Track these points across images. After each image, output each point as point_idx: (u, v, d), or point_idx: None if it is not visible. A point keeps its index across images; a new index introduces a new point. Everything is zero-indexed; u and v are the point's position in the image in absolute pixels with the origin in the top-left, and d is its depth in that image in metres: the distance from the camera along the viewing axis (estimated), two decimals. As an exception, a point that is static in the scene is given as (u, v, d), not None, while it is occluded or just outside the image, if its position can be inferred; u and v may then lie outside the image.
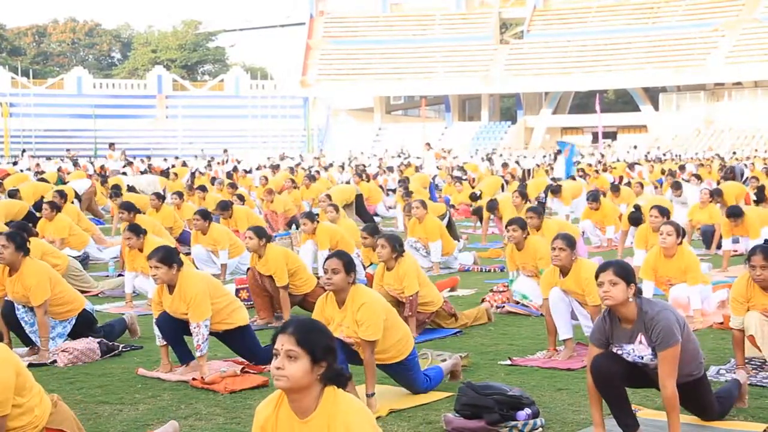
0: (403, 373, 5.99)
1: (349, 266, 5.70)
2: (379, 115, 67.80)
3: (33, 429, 4.26)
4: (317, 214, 12.09)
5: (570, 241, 7.10)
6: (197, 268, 10.96)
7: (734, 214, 11.97)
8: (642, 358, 4.87)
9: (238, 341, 7.04)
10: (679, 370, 4.81)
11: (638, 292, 4.84)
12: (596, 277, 4.87)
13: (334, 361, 3.28)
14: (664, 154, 45.22)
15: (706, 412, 5.28)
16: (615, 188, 19.35)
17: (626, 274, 4.79)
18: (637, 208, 12.56)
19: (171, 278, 6.63)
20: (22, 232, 7.73)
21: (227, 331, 6.94)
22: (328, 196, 16.38)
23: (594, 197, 14.96)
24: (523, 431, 5.25)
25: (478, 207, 17.57)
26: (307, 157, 51.22)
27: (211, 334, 6.84)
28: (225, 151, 48.42)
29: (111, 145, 34.25)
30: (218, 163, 37.62)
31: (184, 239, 13.70)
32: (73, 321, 7.72)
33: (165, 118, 67.44)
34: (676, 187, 17.65)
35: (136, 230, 9.35)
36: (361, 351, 5.76)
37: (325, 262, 5.76)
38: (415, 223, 12.42)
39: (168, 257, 6.64)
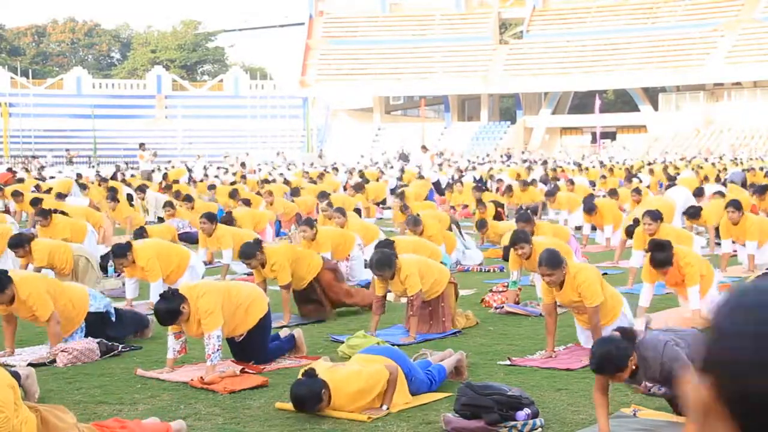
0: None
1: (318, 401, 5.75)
2: (379, 115, 67.77)
3: None
4: (315, 221, 12.24)
5: (555, 262, 6.95)
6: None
7: (734, 205, 11.90)
8: (650, 389, 4.89)
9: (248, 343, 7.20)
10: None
11: (635, 342, 4.77)
12: (597, 372, 4.80)
13: None
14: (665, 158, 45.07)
15: None
16: (613, 192, 19.25)
17: (621, 363, 4.72)
18: (636, 221, 12.32)
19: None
20: None
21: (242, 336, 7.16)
22: (330, 204, 16.33)
23: (589, 208, 14.82)
24: (522, 431, 5.25)
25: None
26: (307, 158, 51.25)
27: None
28: (199, 157, 47.77)
29: (141, 145, 32.87)
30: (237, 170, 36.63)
31: (191, 239, 13.95)
32: (83, 328, 7.77)
33: (164, 118, 67.38)
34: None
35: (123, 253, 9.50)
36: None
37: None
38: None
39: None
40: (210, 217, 12.00)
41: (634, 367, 4.75)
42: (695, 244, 11.20)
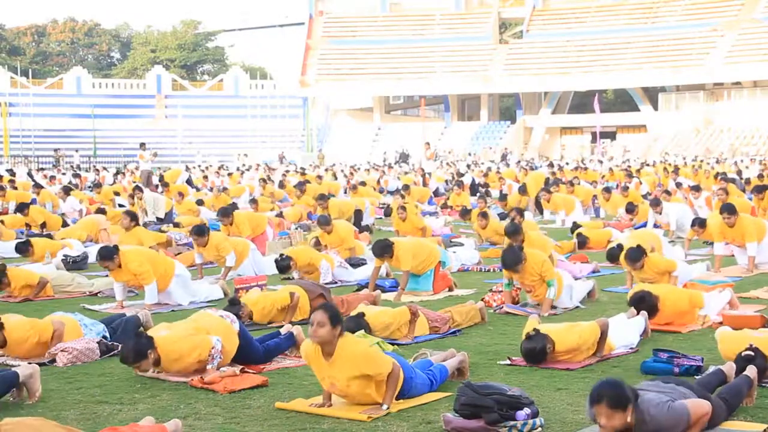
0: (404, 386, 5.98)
1: (334, 319, 5.60)
2: (379, 115, 67.81)
3: None
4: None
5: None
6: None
7: (728, 210, 11.70)
8: None
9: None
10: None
11: (636, 398, 4.68)
12: (590, 404, 4.64)
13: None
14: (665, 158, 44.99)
15: (712, 420, 5.28)
16: (607, 190, 19.13)
17: (622, 401, 4.56)
18: (620, 246, 11.92)
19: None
20: None
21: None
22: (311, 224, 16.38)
23: (580, 241, 14.59)
24: (522, 431, 5.25)
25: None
26: (307, 158, 51.20)
27: None
28: (198, 166, 47.61)
29: (142, 144, 32.57)
30: (216, 172, 36.77)
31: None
32: None
33: (164, 118, 67.43)
34: (656, 203, 16.17)
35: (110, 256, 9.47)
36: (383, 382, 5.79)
37: (311, 314, 5.73)
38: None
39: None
40: (198, 232, 11.45)
41: (629, 420, 4.60)
42: (664, 245, 11.39)
